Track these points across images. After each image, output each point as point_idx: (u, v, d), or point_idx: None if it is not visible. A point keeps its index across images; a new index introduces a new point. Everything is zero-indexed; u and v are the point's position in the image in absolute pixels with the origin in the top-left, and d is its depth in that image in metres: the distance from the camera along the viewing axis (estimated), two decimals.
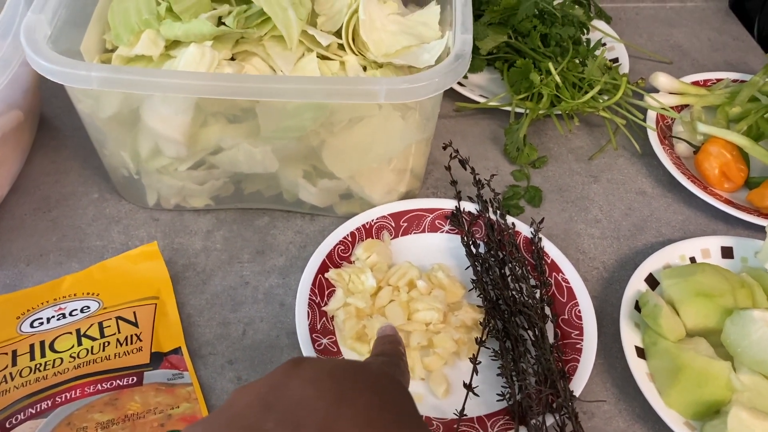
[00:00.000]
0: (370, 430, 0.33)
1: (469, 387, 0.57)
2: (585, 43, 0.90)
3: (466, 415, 0.56)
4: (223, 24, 0.68)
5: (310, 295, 0.63)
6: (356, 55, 0.73)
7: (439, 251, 0.70)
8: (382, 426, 0.34)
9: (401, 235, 0.71)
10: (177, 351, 0.60)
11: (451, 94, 0.86)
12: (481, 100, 0.85)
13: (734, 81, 0.89)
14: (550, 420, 0.55)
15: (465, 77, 0.90)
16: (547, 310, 0.64)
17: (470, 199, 0.72)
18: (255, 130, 0.65)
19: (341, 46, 0.73)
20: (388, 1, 0.75)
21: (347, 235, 0.68)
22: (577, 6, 0.95)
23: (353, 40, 0.73)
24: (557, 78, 0.80)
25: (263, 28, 0.69)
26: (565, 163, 0.81)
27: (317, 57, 0.71)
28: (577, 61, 0.86)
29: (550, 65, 0.81)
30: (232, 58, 0.70)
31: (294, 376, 0.36)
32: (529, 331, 0.61)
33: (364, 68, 0.73)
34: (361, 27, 0.71)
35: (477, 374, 0.58)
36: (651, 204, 0.77)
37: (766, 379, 0.57)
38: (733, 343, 0.58)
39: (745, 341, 0.58)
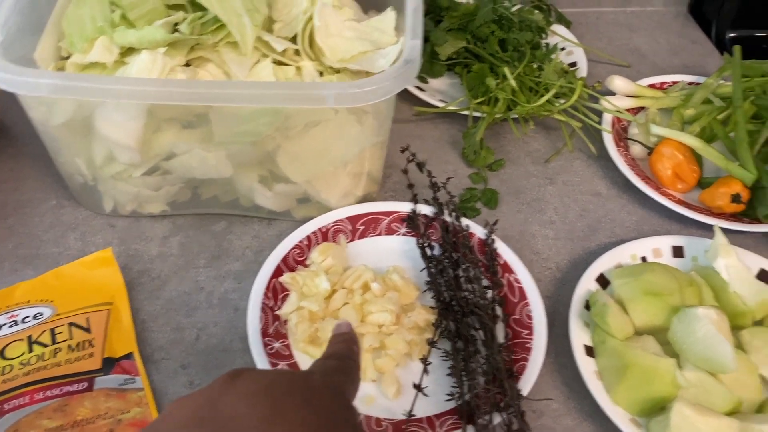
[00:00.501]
0: None
1: (418, 387, 0.57)
2: (543, 48, 0.91)
3: (414, 415, 0.56)
4: (178, 31, 0.68)
5: (263, 299, 0.63)
6: (313, 60, 0.74)
7: (395, 254, 0.71)
8: None
9: (358, 238, 0.71)
10: (129, 356, 0.60)
11: (411, 99, 0.87)
12: (441, 104, 0.86)
13: (690, 84, 0.91)
14: (498, 419, 0.56)
15: (426, 82, 0.91)
16: (499, 311, 0.65)
17: (426, 202, 0.73)
18: (209, 136, 0.66)
19: (298, 52, 0.73)
20: (344, 8, 0.76)
21: (303, 239, 0.69)
22: (537, 11, 0.96)
23: (310, 46, 0.73)
24: (513, 82, 0.81)
25: (218, 34, 0.69)
26: (522, 166, 0.82)
27: (273, 63, 0.72)
28: (535, 65, 0.87)
29: (506, 69, 0.82)
30: (188, 65, 0.70)
31: (230, 391, 0.35)
32: (480, 332, 0.62)
33: (321, 73, 0.73)
34: (317, 33, 0.72)
35: (427, 375, 0.59)
36: (605, 205, 0.78)
37: (710, 375, 0.58)
38: (679, 340, 0.59)
39: (690, 338, 0.59)
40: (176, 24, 0.69)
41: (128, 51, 0.68)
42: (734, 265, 0.65)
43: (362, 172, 0.72)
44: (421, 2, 0.68)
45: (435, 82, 0.92)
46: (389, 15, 0.75)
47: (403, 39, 0.68)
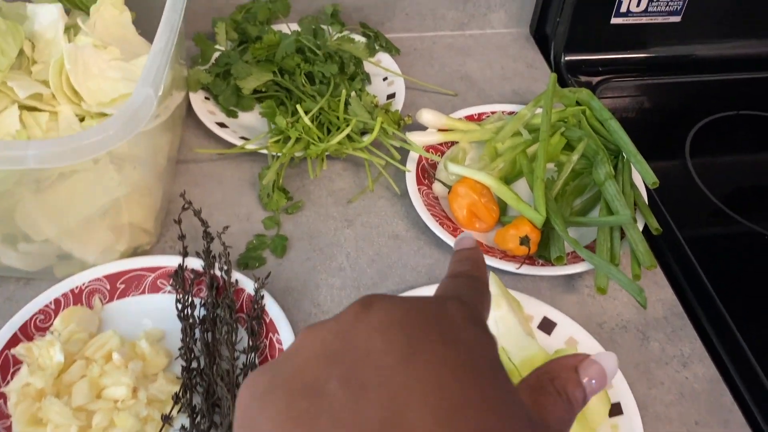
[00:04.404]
0: (441, 394, 0.28)
1: None
2: (362, 78, 0.87)
3: None
4: None
5: None
6: (75, 104, 0.68)
7: (158, 315, 0.65)
8: (457, 389, 0.29)
9: (117, 299, 0.66)
10: None
11: (213, 136, 0.82)
12: (240, 143, 0.81)
13: (510, 113, 0.87)
14: None
15: (235, 117, 0.86)
16: None
17: (198, 255, 0.68)
18: None
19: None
20: (108, 47, 0.71)
21: (50, 302, 0.63)
22: (361, 38, 0.93)
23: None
24: (306, 120, 0.77)
25: None
26: (323, 207, 0.78)
27: (25, 109, 0.66)
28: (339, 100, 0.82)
29: (299, 107, 0.77)
30: None
31: (363, 322, 0.31)
32: (225, 403, 0.57)
33: (82, 119, 0.68)
34: (71, 75, 0.67)
35: None
36: (401, 248, 0.74)
37: None
38: None
39: None
40: None
41: None
42: (504, 317, 0.61)
43: (123, 225, 0.67)
44: (172, 42, 0.64)
45: (245, 117, 0.87)
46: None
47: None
